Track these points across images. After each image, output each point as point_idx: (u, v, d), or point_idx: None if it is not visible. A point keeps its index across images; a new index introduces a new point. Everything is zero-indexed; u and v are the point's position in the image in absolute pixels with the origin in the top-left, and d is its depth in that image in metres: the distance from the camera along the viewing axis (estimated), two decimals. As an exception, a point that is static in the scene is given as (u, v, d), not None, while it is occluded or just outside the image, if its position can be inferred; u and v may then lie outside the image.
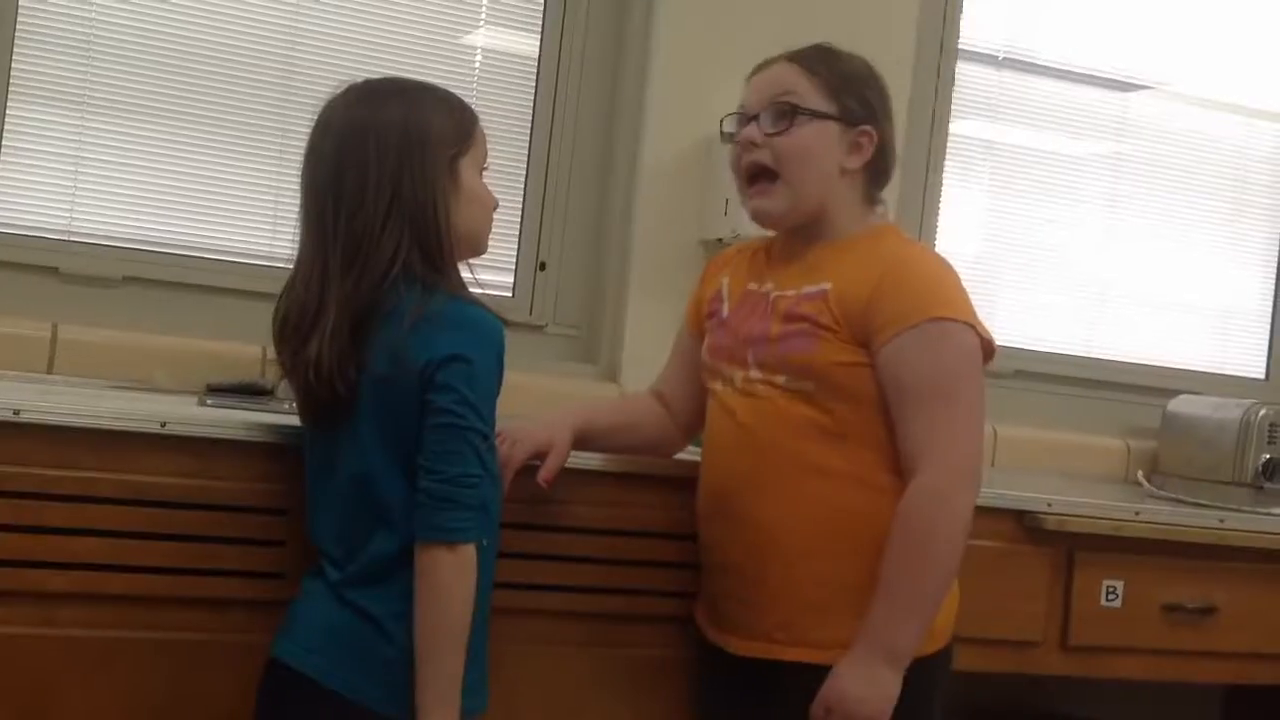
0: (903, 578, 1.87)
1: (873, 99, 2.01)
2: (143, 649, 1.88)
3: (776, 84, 1.99)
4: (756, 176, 1.99)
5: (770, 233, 2.09)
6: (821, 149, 1.97)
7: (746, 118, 2.01)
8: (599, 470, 2.09)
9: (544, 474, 1.98)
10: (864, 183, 2.02)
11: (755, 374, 1.97)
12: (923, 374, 1.88)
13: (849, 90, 1.99)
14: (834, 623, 1.90)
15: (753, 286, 2.04)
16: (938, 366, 1.89)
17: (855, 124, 1.98)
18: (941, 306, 1.90)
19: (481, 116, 1.84)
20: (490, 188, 1.85)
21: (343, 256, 1.73)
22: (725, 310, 2.06)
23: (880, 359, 1.89)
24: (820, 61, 2.00)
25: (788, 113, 1.96)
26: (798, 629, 1.92)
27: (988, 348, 1.93)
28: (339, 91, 1.80)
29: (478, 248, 1.85)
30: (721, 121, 2.08)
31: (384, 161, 1.73)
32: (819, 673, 1.89)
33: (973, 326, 1.91)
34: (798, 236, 2.03)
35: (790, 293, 1.97)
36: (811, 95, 1.97)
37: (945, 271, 1.95)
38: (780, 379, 1.94)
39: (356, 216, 1.72)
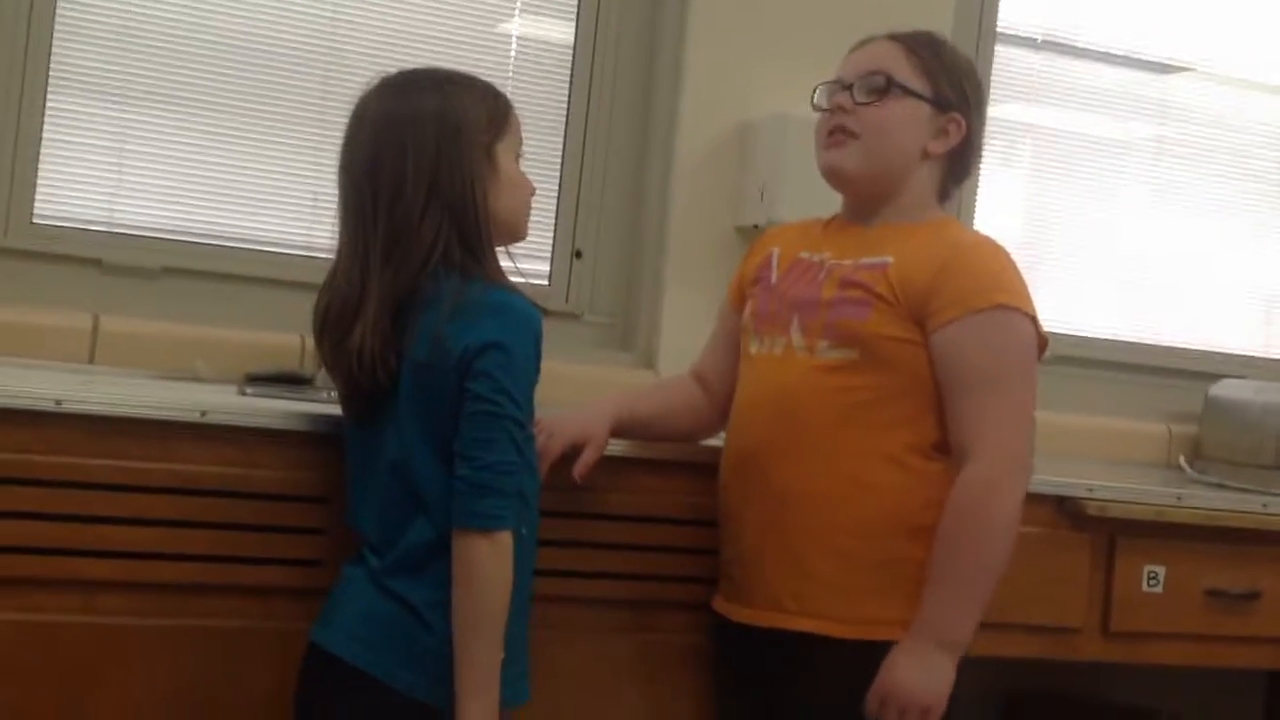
0: (956, 566, 1.87)
1: (969, 91, 2.02)
2: (183, 637, 1.90)
3: (875, 59, 2.01)
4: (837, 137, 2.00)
5: (821, 217, 2.10)
6: (908, 126, 1.98)
7: (840, 87, 2.01)
8: (631, 457, 2.09)
9: (579, 468, 1.98)
10: (942, 172, 2.03)
11: (797, 339, 1.96)
12: (982, 359, 1.88)
13: (946, 76, 2.00)
14: (848, 598, 1.91)
15: (805, 255, 2.04)
16: (998, 354, 1.89)
17: (946, 110, 1.99)
18: (1007, 295, 1.90)
19: (517, 105, 1.85)
20: (526, 174, 1.85)
21: (383, 247, 1.74)
22: (774, 277, 2.06)
23: (938, 339, 1.89)
24: (922, 45, 2.01)
25: (881, 86, 1.97)
26: (810, 600, 1.92)
27: (1042, 343, 1.95)
28: (372, 85, 1.81)
29: (517, 233, 1.85)
30: (814, 90, 2.07)
31: (421, 151, 1.74)
32: (828, 645, 1.90)
33: (1033, 320, 1.92)
34: (860, 213, 2.03)
35: (848, 262, 1.97)
36: (908, 73, 1.98)
37: (1010, 262, 1.96)
38: (822, 345, 1.94)
39: (396, 207, 1.73)
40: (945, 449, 1.93)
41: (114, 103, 2.66)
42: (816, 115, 2.06)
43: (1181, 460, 3.08)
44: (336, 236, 1.81)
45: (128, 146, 2.67)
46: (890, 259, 1.94)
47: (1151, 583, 2.41)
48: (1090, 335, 3.31)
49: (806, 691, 1.93)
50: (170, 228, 2.69)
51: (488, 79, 1.85)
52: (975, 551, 1.87)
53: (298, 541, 1.94)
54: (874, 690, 1.87)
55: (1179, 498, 2.47)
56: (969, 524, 1.87)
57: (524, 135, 1.86)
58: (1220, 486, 2.71)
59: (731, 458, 2.04)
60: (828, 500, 1.91)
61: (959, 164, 2.04)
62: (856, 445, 1.91)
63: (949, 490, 1.90)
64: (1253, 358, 3.46)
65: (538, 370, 1.77)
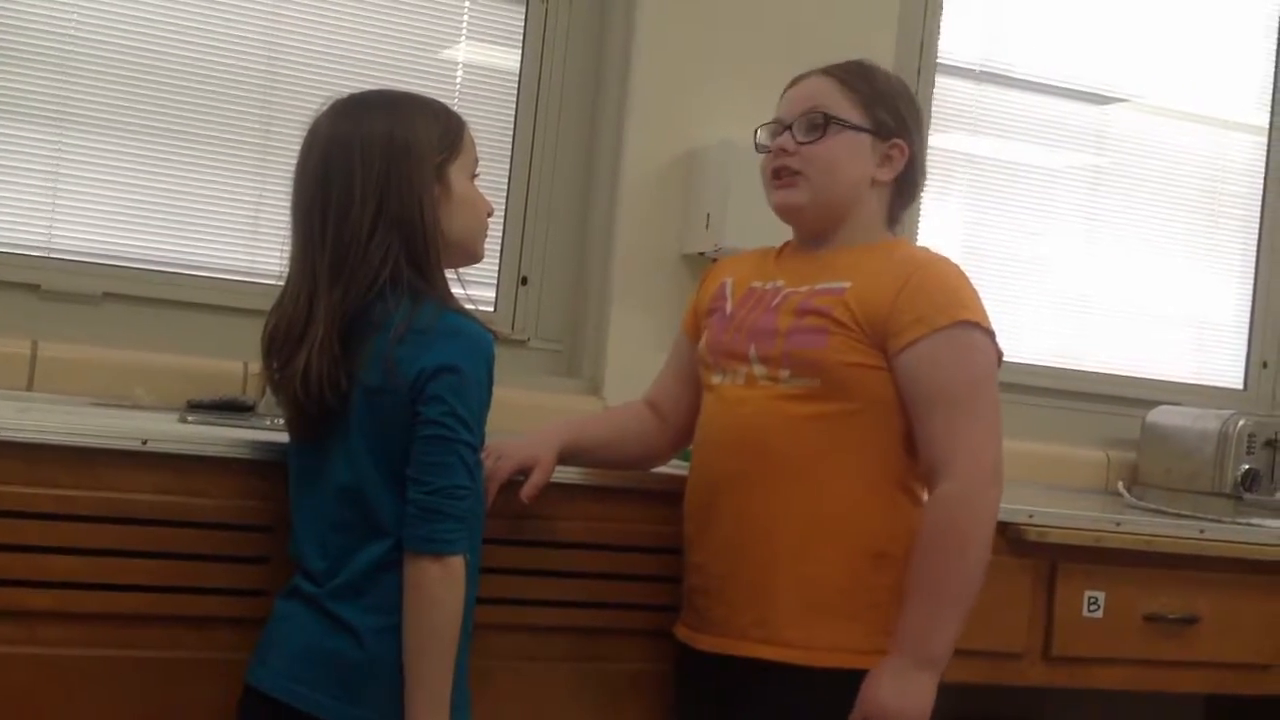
0: (936, 583, 1.88)
1: (906, 114, 2.04)
2: (125, 667, 1.87)
3: (811, 96, 2.02)
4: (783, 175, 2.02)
5: (776, 245, 2.12)
6: (852, 159, 2.00)
7: (781, 127, 2.03)
8: (582, 485, 2.09)
9: (527, 490, 1.97)
10: (890, 197, 2.05)
11: (758, 369, 1.97)
12: (949, 377, 1.90)
13: (883, 104, 2.01)
14: (812, 625, 1.91)
15: (757, 284, 2.05)
16: (964, 370, 1.91)
17: (887, 137, 2.01)
18: (966, 310, 1.93)
19: (474, 136, 1.84)
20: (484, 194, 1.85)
21: (330, 268, 1.73)
22: (729, 307, 2.07)
23: (902, 360, 1.90)
24: (855, 76, 2.03)
25: (821, 123, 1.99)
26: (773, 628, 1.92)
27: (998, 356, 1.97)
28: (325, 106, 1.80)
29: (473, 254, 1.85)
30: (755, 131, 2.09)
31: (369, 172, 1.73)
32: (791, 673, 1.90)
33: (991, 334, 1.94)
34: (811, 241, 2.05)
35: (803, 289, 1.98)
36: (845, 107, 2.00)
37: (965, 278, 1.98)
38: (784, 374, 1.94)
39: (343, 227, 1.72)
40: (910, 474, 1.95)
41: (52, 127, 2.63)
42: (759, 155, 2.08)
43: (1120, 486, 3.11)
44: (288, 258, 1.79)
45: (66, 171, 2.64)
46: (847, 284, 1.95)
47: (1092, 608, 2.43)
48: (1028, 362, 3.35)
49: (768, 719, 1.92)
50: (110, 253, 2.66)
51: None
52: (953, 568, 1.88)
53: (241, 571, 1.92)
54: (856, 710, 1.86)
55: (1118, 523, 2.49)
56: (945, 541, 1.87)
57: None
58: (1158, 512, 2.74)
59: (696, 486, 2.04)
60: (792, 528, 1.92)
61: (906, 187, 2.06)
62: (821, 473, 1.92)
63: (913, 516, 1.92)
64: (1188, 384, 3.52)
65: (490, 395, 1.76)
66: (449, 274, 1.80)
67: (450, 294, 1.78)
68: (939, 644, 1.87)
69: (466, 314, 1.77)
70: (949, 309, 1.91)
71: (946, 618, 1.88)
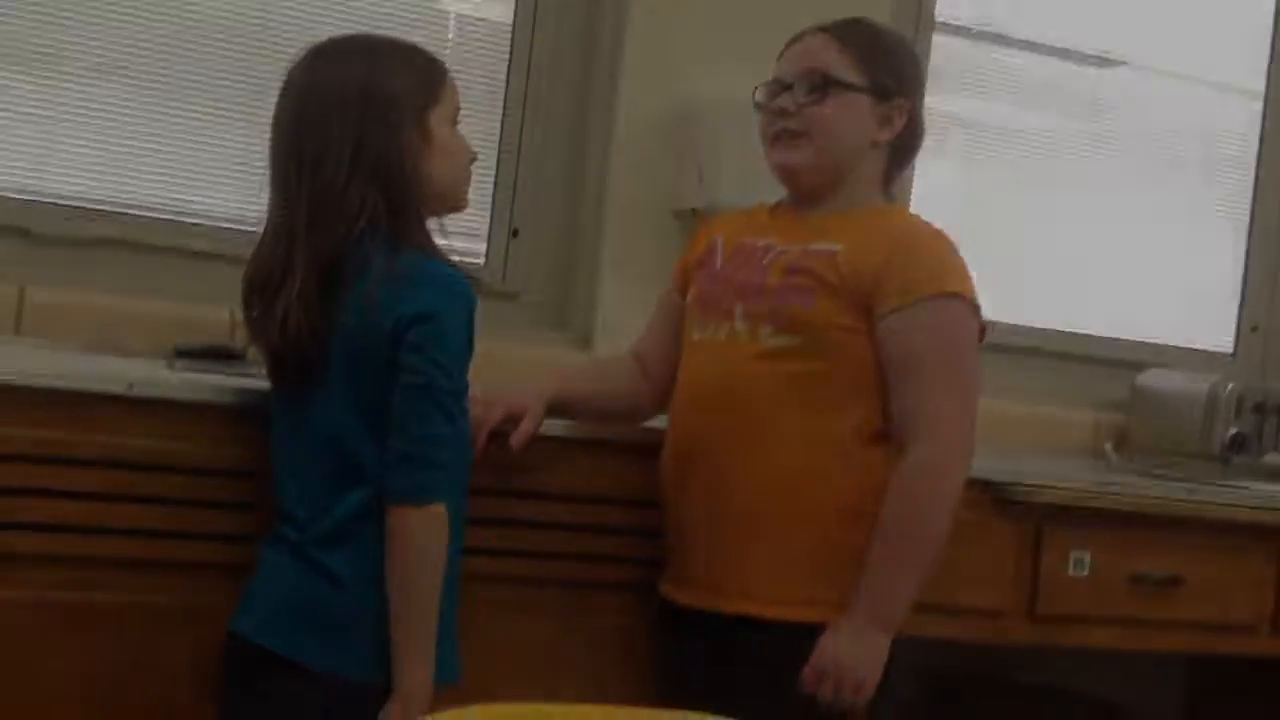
0: (897, 547, 1.90)
1: (907, 74, 2.04)
2: (109, 612, 1.87)
3: (811, 55, 2.01)
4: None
5: (770, 202, 2.11)
6: (853, 120, 1.99)
7: (780, 86, 2.01)
8: (569, 438, 2.09)
9: (516, 438, 1.97)
10: (887, 158, 2.04)
11: (740, 325, 1.97)
12: (929, 345, 1.91)
13: (882, 64, 2.01)
14: (785, 581, 1.93)
15: (749, 241, 2.04)
16: (944, 340, 1.92)
17: (888, 97, 2.00)
18: (953, 282, 1.94)
19: (455, 82, 1.83)
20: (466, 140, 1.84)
21: (308, 215, 1.72)
22: (718, 262, 2.06)
23: (884, 326, 1.91)
24: (855, 34, 2.02)
25: (820, 84, 1.98)
26: (748, 583, 1.94)
27: (981, 330, 1.98)
28: (302, 53, 1.79)
29: (455, 202, 1.84)
30: (755, 90, 2.07)
31: (345, 119, 1.72)
32: (765, 628, 1.92)
33: (976, 307, 1.95)
34: (806, 201, 2.04)
35: (795, 248, 1.98)
36: (845, 67, 1.99)
37: (954, 250, 1.99)
38: (766, 331, 1.95)
39: (319, 174, 1.72)
40: (884, 436, 1.96)
41: (45, 71, 2.60)
42: (754, 111, 2.06)
43: (1108, 448, 3.12)
44: (266, 206, 1.78)
45: (58, 115, 2.62)
46: (838, 246, 1.95)
47: (1077, 568, 2.44)
48: (1019, 324, 3.34)
49: (743, 673, 1.94)
50: (100, 198, 2.64)
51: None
52: (917, 534, 1.90)
53: (226, 517, 1.92)
54: (811, 664, 1.89)
55: (1105, 485, 2.50)
56: (912, 507, 1.90)
57: (462, 113, 1.84)
58: (1145, 474, 2.76)
59: (674, 442, 2.04)
60: (767, 485, 1.93)
61: (904, 149, 2.06)
62: (797, 431, 1.93)
63: (886, 477, 1.92)
64: (1179, 348, 3.52)
65: (471, 342, 1.76)
66: (432, 223, 1.78)
67: (432, 242, 1.77)
68: (897, 606, 1.91)
69: (447, 261, 1.76)
70: (934, 279, 1.92)
71: (906, 581, 1.91)
